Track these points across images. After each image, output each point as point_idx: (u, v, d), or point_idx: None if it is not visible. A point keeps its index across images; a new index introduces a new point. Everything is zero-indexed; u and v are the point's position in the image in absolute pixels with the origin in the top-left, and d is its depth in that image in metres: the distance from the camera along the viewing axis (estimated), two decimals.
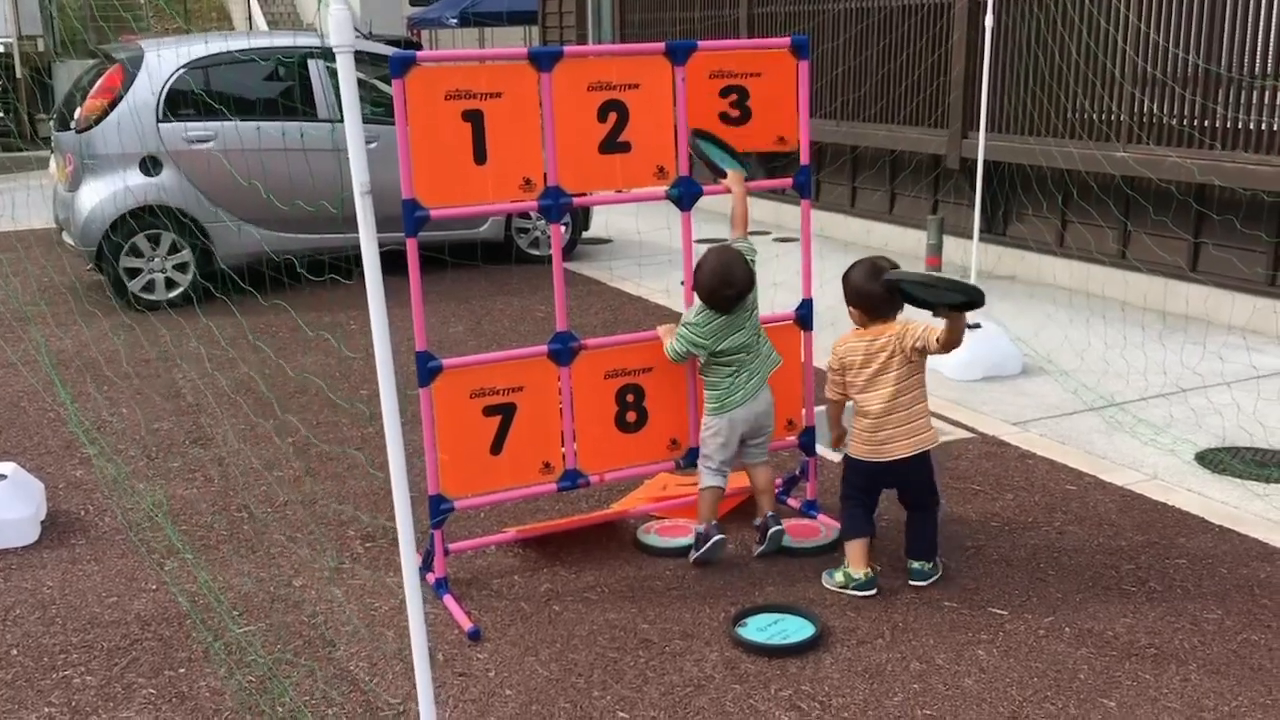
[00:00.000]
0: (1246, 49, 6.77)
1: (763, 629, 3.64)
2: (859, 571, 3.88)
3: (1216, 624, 3.67)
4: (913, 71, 9.03)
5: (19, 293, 8.43)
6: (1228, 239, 6.99)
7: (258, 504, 4.68)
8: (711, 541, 4.03)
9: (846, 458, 4.02)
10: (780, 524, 4.14)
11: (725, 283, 3.92)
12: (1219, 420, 5.40)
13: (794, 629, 3.64)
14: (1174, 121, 7.16)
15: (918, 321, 3.85)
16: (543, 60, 3.80)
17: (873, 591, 3.85)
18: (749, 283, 3.97)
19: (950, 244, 8.70)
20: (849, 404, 4.01)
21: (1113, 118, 7.54)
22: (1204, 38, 6.95)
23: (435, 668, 3.43)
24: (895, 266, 3.92)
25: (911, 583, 3.94)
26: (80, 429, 5.56)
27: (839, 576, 3.91)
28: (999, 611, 3.77)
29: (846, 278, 3.97)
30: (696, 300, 4.02)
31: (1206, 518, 4.43)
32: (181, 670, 3.49)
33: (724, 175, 4.17)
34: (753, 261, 4.04)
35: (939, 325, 3.76)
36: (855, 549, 3.90)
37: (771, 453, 4.38)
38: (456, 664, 3.50)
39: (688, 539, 4.25)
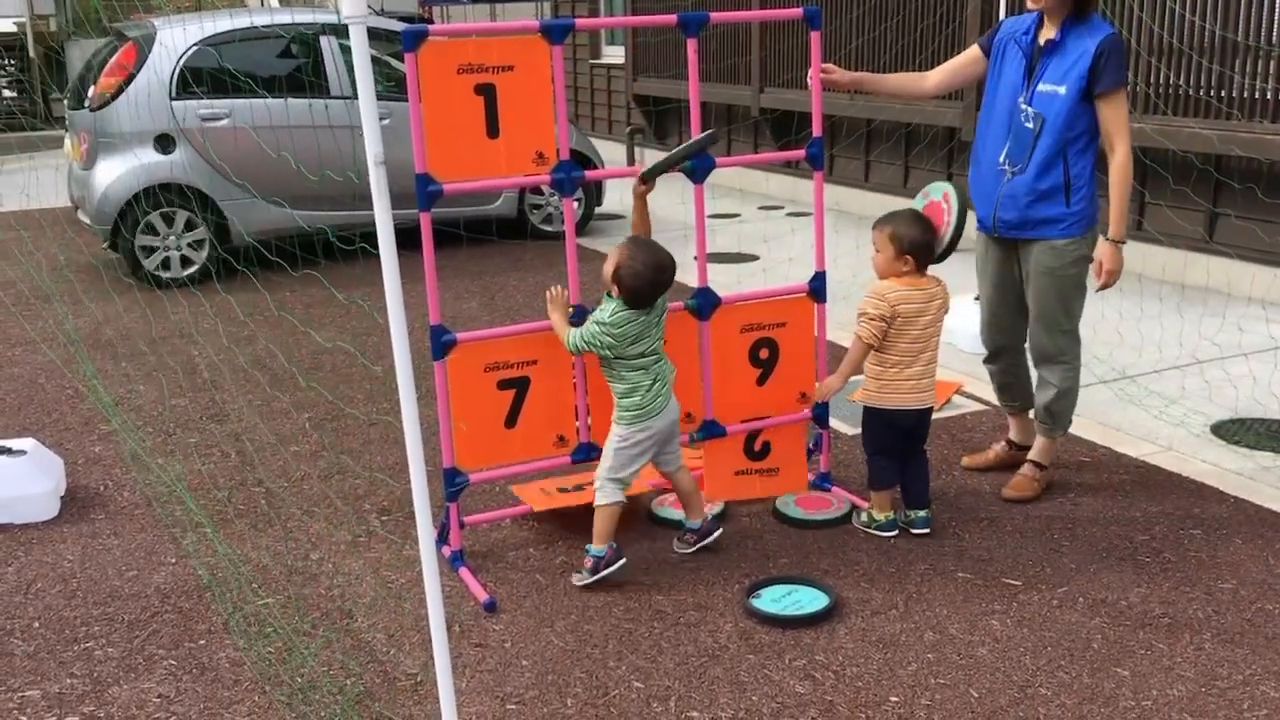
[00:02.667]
0: (1265, 17, 6.70)
1: (777, 600, 3.66)
2: (883, 515, 4.12)
3: (1231, 594, 3.67)
4: (929, 44, 8.97)
5: (40, 270, 8.47)
6: (1248, 209, 6.94)
7: (274, 478, 4.71)
8: (617, 565, 3.78)
9: (873, 411, 4.08)
10: (720, 527, 4.03)
11: (659, 268, 3.69)
12: (1234, 392, 5.38)
13: (808, 600, 3.65)
14: (1192, 91, 7.10)
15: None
16: (554, 33, 3.79)
17: (895, 533, 4.11)
18: (675, 271, 3.78)
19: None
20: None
21: (1131, 88, 7.48)
22: (1221, 5, 6.88)
23: (452, 639, 3.46)
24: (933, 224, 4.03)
25: (916, 531, 4.11)
26: (103, 403, 5.60)
27: (864, 516, 4.16)
28: (1013, 582, 3.78)
29: (898, 232, 3.96)
30: (610, 300, 3.76)
31: (1221, 488, 4.43)
32: (201, 642, 3.53)
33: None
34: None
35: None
36: (883, 497, 4.13)
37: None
38: (473, 635, 3.53)
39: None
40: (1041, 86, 4.06)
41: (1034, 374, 4.47)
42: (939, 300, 4.01)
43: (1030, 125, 4.10)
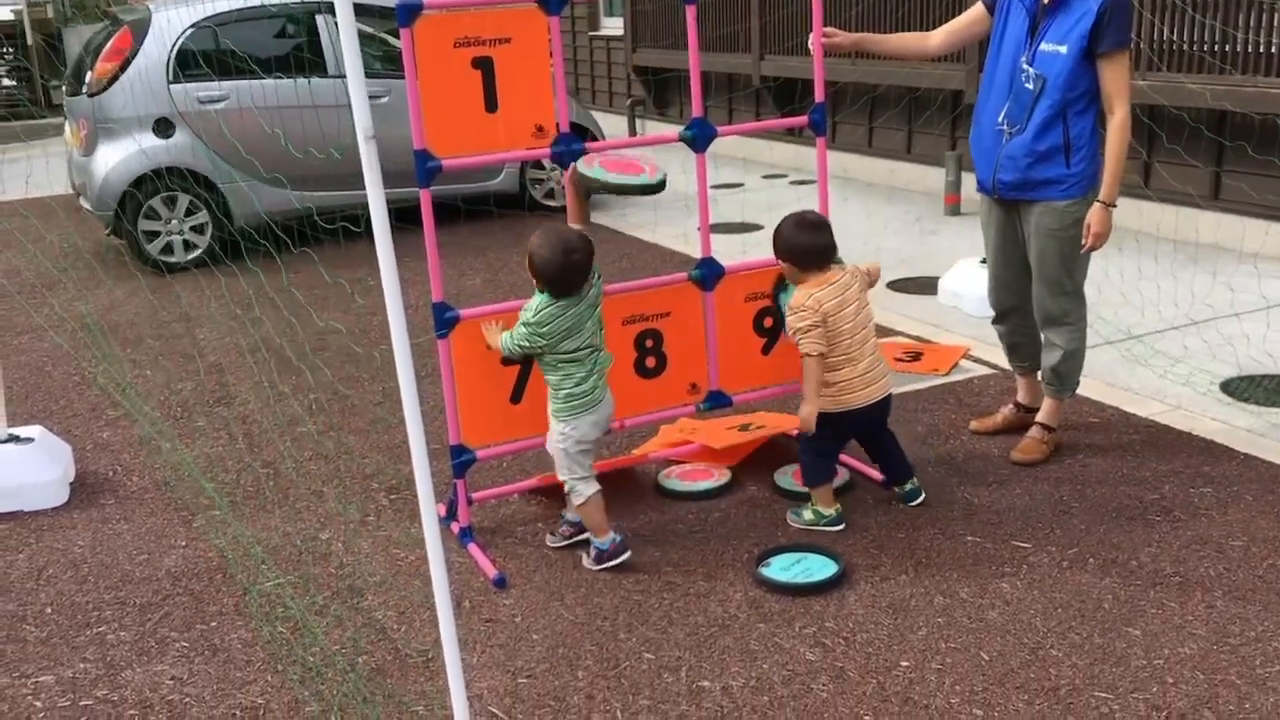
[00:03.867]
0: None
1: (786, 568, 3.66)
2: (830, 509, 3.94)
3: (1242, 550, 3.66)
4: (933, 7, 8.89)
5: (45, 257, 8.47)
6: (1241, 165, 6.89)
7: (282, 460, 4.72)
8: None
9: (830, 415, 3.82)
10: (628, 549, 3.78)
11: (567, 250, 3.53)
12: (1236, 349, 5.35)
13: (817, 567, 3.65)
14: (1192, 48, 7.03)
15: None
16: (551, 3, 3.76)
17: (843, 526, 3.93)
18: (590, 248, 3.61)
19: (970, 181, 8.61)
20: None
21: (1140, 44, 7.39)
22: None
23: (462, 615, 3.47)
24: (823, 220, 3.91)
25: (912, 504, 4.06)
26: (121, 382, 5.61)
27: (808, 514, 3.96)
28: (1022, 544, 3.77)
29: (776, 239, 3.91)
30: (535, 297, 3.64)
31: (1231, 446, 4.41)
32: (213, 624, 3.54)
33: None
34: (597, 280, 3.74)
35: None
36: (826, 490, 3.96)
37: (782, 397, 4.35)
38: (483, 611, 3.53)
39: (709, 483, 4.27)
40: (1043, 46, 4.01)
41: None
42: (854, 284, 3.83)
43: (1030, 86, 4.05)
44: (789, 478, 4.29)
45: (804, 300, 3.77)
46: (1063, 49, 3.96)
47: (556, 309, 3.59)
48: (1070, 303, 4.26)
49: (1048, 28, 4.01)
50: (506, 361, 3.88)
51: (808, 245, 3.82)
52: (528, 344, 3.62)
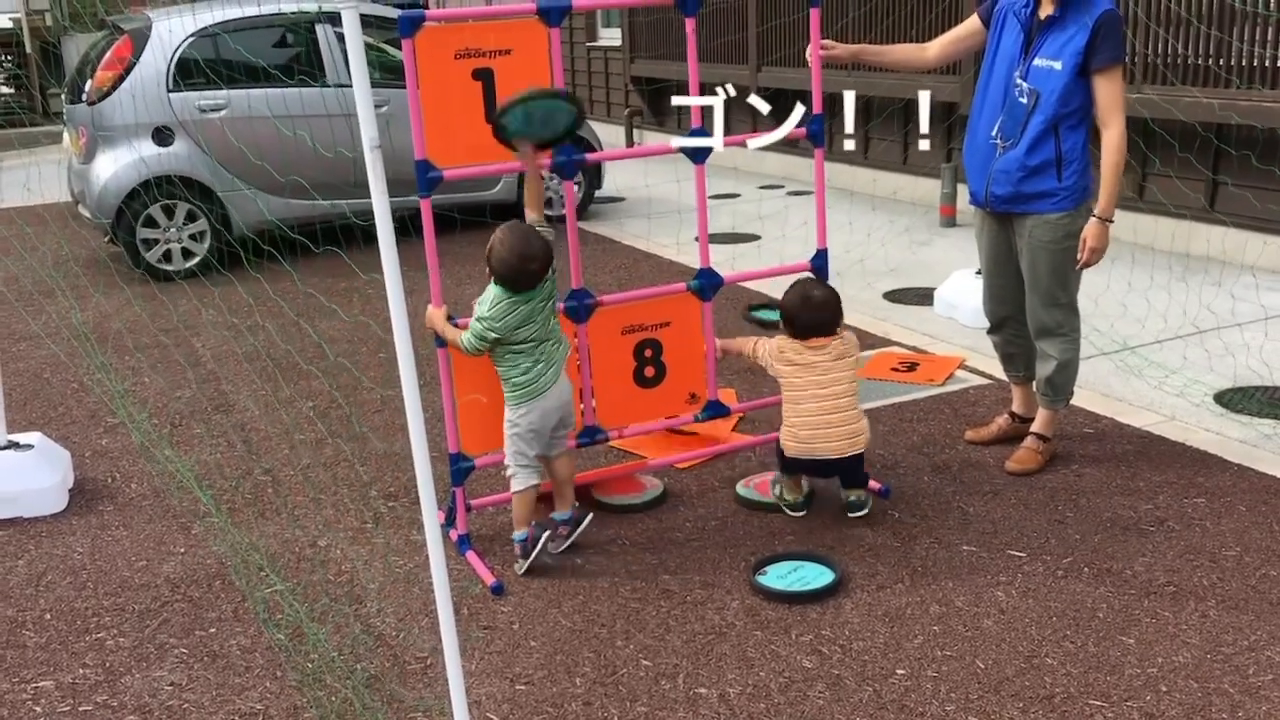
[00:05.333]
0: None
1: (783, 576, 3.68)
2: (792, 496, 4.15)
3: (1235, 560, 3.69)
4: (924, 17, 8.94)
5: (43, 265, 8.48)
6: (1244, 177, 6.93)
7: (281, 467, 4.73)
8: (541, 543, 3.76)
9: (798, 459, 4.03)
10: (589, 513, 3.96)
11: (525, 257, 3.60)
12: (1234, 361, 5.38)
13: (814, 576, 3.67)
14: (1195, 60, 7.06)
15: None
16: (551, 15, 3.79)
17: (801, 514, 4.12)
18: (549, 256, 3.68)
19: (965, 192, 8.64)
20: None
21: (1139, 57, 7.44)
22: None
23: (460, 622, 3.48)
24: (829, 298, 4.03)
25: (853, 515, 4.09)
26: (115, 391, 5.62)
27: (776, 490, 4.20)
28: (1017, 553, 3.79)
29: (783, 303, 4.08)
30: (489, 290, 3.70)
31: (1224, 457, 4.44)
32: (212, 630, 3.55)
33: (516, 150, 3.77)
34: (552, 275, 3.77)
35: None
36: (791, 483, 4.17)
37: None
38: (481, 618, 3.55)
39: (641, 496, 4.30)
40: (1038, 61, 4.05)
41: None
42: (834, 357, 3.96)
43: (1024, 100, 4.08)
44: (751, 489, 4.32)
45: (782, 350, 4.01)
46: (1057, 65, 3.99)
47: (509, 304, 3.65)
48: (1064, 314, 4.28)
49: (1042, 43, 4.04)
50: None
51: (808, 321, 3.99)
52: (484, 342, 3.67)
